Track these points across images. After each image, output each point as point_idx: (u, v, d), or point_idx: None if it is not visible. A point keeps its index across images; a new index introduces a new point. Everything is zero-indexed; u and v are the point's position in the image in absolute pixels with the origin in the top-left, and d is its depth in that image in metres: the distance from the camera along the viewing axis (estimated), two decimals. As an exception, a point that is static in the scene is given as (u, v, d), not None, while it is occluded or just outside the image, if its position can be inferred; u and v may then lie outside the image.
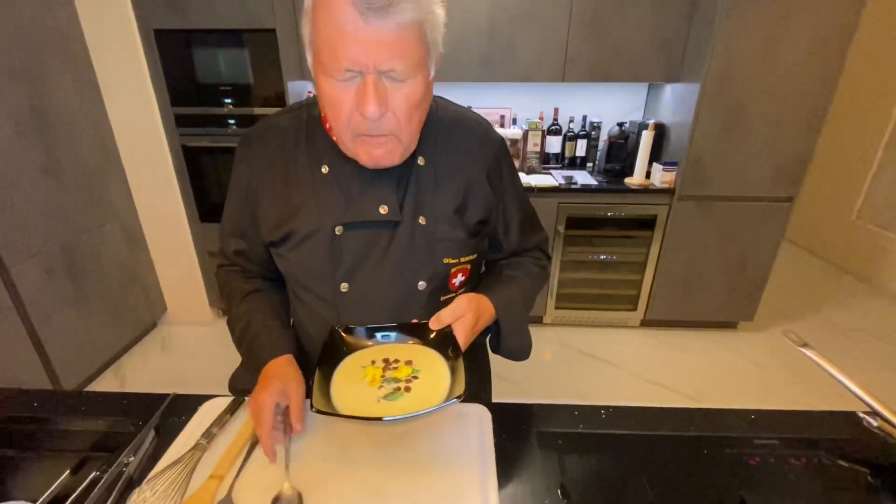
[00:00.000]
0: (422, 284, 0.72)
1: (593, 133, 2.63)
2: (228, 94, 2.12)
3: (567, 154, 2.66)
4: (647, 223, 2.37)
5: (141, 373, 2.22)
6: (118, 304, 2.20)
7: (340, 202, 0.69)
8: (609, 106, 2.69)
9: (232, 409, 0.76)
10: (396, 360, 0.65)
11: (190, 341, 2.48)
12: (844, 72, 2.09)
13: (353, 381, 0.61)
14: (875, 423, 0.67)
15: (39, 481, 0.65)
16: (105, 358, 2.16)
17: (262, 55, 2.05)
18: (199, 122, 2.18)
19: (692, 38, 2.19)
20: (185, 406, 0.80)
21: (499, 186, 0.78)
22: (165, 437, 0.73)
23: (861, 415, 0.70)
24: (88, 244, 2.02)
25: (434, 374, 0.61)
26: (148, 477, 0.63)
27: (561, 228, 2.38)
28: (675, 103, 2.35)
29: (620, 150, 2.52)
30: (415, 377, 0.61)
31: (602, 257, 2.46)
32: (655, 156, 2.40)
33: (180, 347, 2.43)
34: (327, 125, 0.70)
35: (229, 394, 0.80)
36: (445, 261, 0.73)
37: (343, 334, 0.68)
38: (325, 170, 0.69)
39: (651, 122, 2.36)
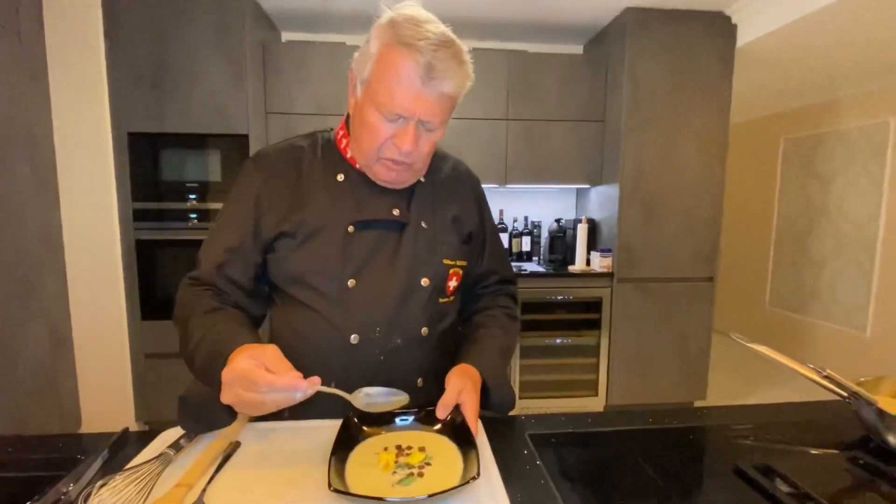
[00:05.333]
0: (425, 281, 0.78)
1: (535, 231, 2.92)
2: (194, 191, 2.20)
3: (514, 250, 2.90)
4: (594, 305, 2.53)
5: None
6: (26, 413, 1.88)
7: (353, 205, 0.77)
8: (546, 207, 3.06)
9: (201, 428, 0.69)
10: (409, 447, 0.65)
11: (104, 464, 2.09)
12: (728, 176, 2.60)
13: (367, 466, 0.61)
14: (825, 380, 0.74)
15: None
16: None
17: (232, 155, 2.21)
18: (158, 217, 2.19)
19: (606, 150, 2.66)
20: (139, 440, 0.71)
21: (480, 210, 0.91)
22: (114, 469, 0.63)
23: (818, 380, 0.76)
24: (8, 340, 1.79)
25: (446, 459, 0.63)
26: (107, 478, 0.54)
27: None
28: (600, 202, 2.73)
29: (560, 243, 2.80)
30: (427, 463, 0.62)
31: (558, 341, 2.54)
32: (591, 245, 2.69)
33: (91, 472, 2.04)
34: (342, 146, 0.81)
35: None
36: (445, 261, 0.81)
37: (356, 421, 0.70)
38: (340, 178, 0.79)
39: (584, 217, 2.69)
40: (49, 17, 1.99)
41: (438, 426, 0.69)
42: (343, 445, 0.64)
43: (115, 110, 2.09)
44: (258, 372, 0.53)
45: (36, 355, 1.95)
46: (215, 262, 0.75)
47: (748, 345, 0.90)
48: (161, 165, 2.19)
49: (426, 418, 0.71)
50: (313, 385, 0.55)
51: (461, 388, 0.70)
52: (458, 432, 0.67)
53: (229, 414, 0.62)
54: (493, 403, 0.80)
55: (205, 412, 0.65)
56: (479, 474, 0.56)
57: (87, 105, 2.04)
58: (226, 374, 0.55)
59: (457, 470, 0.60)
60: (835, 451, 0.73)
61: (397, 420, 0.71)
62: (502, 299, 0.95)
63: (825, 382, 0.74)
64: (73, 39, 2.02)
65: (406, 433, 0.69)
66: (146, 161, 2.17)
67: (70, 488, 0.59)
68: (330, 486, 0.53)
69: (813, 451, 0.73)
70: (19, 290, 1.87)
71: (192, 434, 0.67)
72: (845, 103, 3.14)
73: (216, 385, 0.58)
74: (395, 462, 0.62)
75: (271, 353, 0.57)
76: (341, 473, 0.59)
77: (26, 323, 1.90)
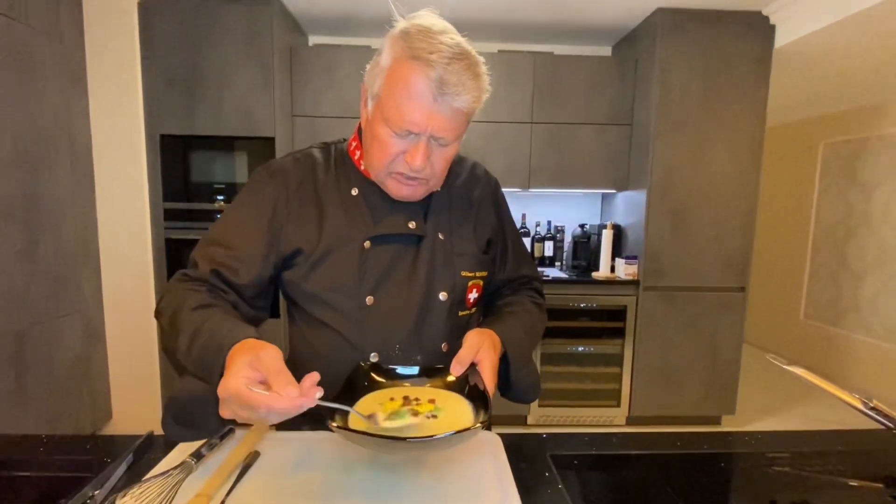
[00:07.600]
0: (443, 295, 0.76)
1: (558, 235, 2.88)
2: (221, 192, 2.25)
3: (536, 254, 2.86)
4: (618, 314, 2.47)
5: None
6: (59, 406, 1.96)
7: (369, 219, 0.75)
8: (569, 211, 3.01)
9: (222, 435, 0.69)
10: (417, 399, 0.63)
11: (132, 456, 2.16)
12: (763, 182, 2.49)
13: (369, 412, 0.60)
14: (871, 411, 0.70)
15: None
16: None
17: (258, 158, 2.25)
18: (187, 217, 2.25)
19: (633, 155, 2.59)
20: (163, 445, 0.72)
21: (498, 214, 0.88)
22: (138, 474, 0.64)
23: (863, 410, 0.72)
24: (45, 334, 1.88)
25: (455, 412, 0.61)
26: (129, 487, 0.55)
27: (538, 320, 2.44)
28: (627, 207, 2.66)
29: (584, 249, 2.74)
30: (434, 415, 0.60)
31: (580, 349, 2.49)
32: (616, 252, 2.63)
33: (120, 463, 2.11)
34: (355, 157, 0.79)
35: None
36: (463, 273, 0.78)
37: (369, 372, 0.69)
38: (354, 192, 0.77)
39: (609, 222, 2.63)
40: (89, 25, 2.08)
41: (452, 384, 0.67)
42: (349, 395, 0.62)
43: (148, 113, 2.16)
44: (254, 395, 0.48)
45: (71, 349, 2.03)
46: (214, 267, 0.70)
47: (786, 367, 0.85)
48: (190, 167, 2.24)
49: (439, 375, 0.69)
50: (313, 400, 0.49)
51: (479, 346, 0.68)
52: (472, 392, 0.65)
53: (220, 419, 0.55)
54: (514, 382, 0.76)
55: (195, 416, 0.58)
56: (482, 426, 0.53)
57: (122, 108, 2.12)
58: (221, 391, 0.50)
59: (467, 420, 0.58)
60: (878, 486, 0.68)
61: (408, 374, 0.70)
62: (526, 291, 0.91)
63: (871, 413, 0.70)
64: (111, 45, 2.10)
65: (416, 388, 0.67)
66: (177, 162, 2.23)
67: (95, 493, 0.61)
68: (332, 421, 0.52)
69: (853, 484, 0.69)
70: (57, 286, 1.95)
71: (182, 441, 0.66)
72: (891, 106, 2.98)
73: (215, 380, 0.53)
74: (400, 409, 0.60)
75: (270, 361, 0.51)
76: (344, 417, 0.58)
77: (63, 318, 1.98)
